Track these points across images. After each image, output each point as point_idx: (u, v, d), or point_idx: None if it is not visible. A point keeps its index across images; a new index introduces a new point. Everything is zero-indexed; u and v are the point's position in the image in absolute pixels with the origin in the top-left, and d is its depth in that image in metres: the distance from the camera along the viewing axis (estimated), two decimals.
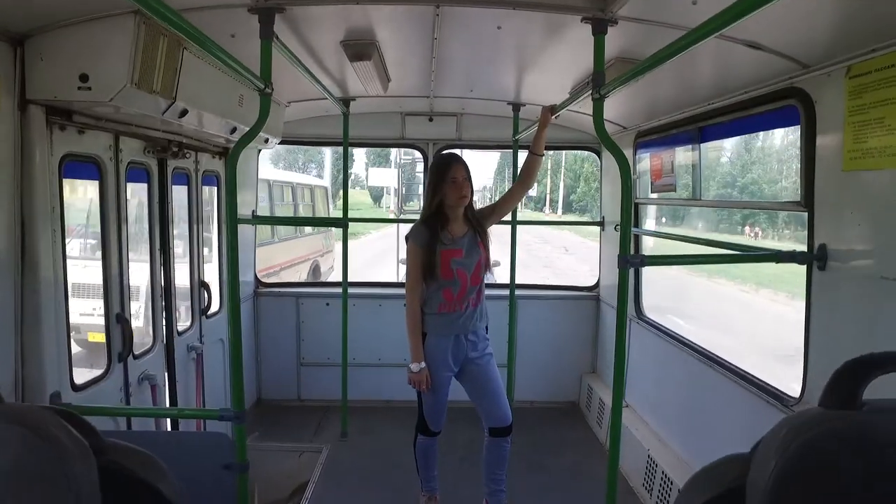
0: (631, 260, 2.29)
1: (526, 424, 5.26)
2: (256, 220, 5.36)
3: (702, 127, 3.44)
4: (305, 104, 4.70)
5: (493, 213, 3.54)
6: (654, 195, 4.20)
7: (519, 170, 3.51)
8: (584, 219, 32.34)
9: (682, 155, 3.74)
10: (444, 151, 3.47)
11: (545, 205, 44.27)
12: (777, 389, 2.74)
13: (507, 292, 5.17)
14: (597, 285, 5.66)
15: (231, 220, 2.49)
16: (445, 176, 3.27)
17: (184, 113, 2.73)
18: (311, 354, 5.58)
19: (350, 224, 4.57)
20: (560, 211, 43.93)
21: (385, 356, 5.41)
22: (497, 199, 3.80)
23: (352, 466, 4.31)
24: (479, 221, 3.43)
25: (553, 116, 3.27)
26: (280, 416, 5.40)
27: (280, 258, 8.41)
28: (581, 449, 4.85)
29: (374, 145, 5.58)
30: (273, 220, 5.17)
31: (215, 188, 4.43)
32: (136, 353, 3.21)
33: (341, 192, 4.98)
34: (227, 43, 2.29)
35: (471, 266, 3.34)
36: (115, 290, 2.94)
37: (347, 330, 4.78)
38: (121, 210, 2.97)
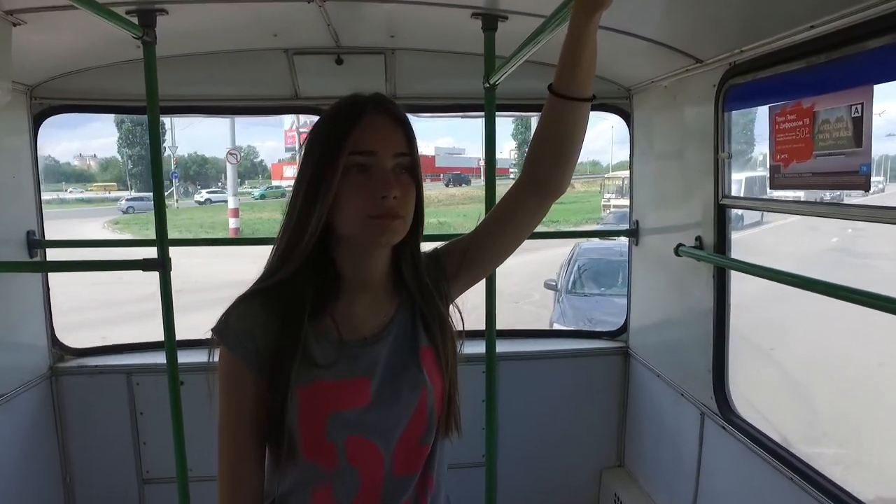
0: None
1: None
2: (34, 263, 3.01)
3: None
4: (79, 29, 2.36)
5: (477, 252, 1.32)
6: (778, 194, 2.04)
7: (530, 141, 1.27)
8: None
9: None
10: (350, 94, 1.06)
11: None
12: None
13: (481, 349, 2.97)
14: (624, 330, 3.54)
15: None
16: (340, 151, 1.10)
17: None
18: (158, 465, 3.32)
19: None
20: None
21: None
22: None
23: None
24: (426, 284, 1.25)
25: None
26: None
27: None
28: None
29: (239, 111, 3.22)
30: (67, 264, 2.95)
31: None
32: None
33: None
34: None
35: (396, 425, 1.17)
36: None
37: (183, 422, 2.59)
38: None
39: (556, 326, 7.48)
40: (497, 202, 1.35)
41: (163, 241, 2.35)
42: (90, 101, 3.00)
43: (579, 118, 1.18)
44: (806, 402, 6.71)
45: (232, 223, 23.23)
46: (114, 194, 45.11)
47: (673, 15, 2.17)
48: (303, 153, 1.18)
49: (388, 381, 1.18)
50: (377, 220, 1.10)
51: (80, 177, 56.41)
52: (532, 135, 1.26)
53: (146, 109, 2.33)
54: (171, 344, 2.54)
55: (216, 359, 1.18)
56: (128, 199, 36.43)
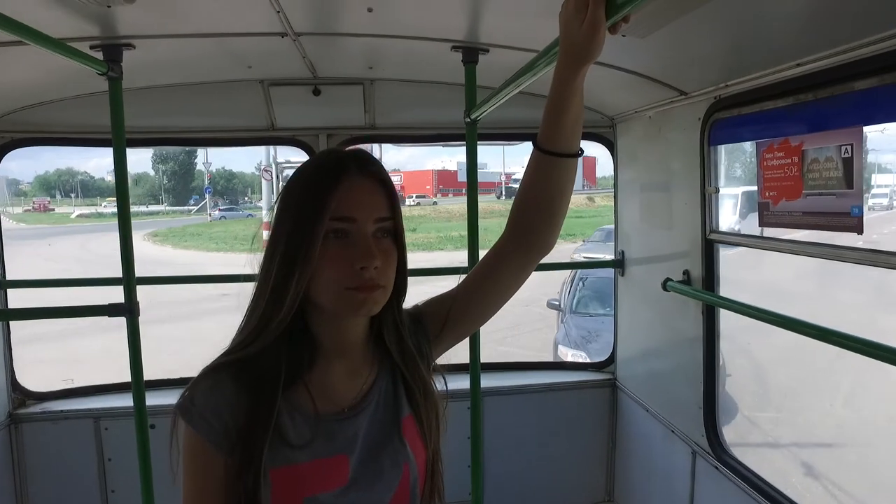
0: None
1: None
2: None
3: None
4: (41, 63, 2.25)
5: (461, 311, 1.20)
6: (769, 231, 2.00)
7: (515, 196, 1.21)
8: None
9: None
10: (328, 149, 0.95)
11: None
12: None
13: (465, 385, 2.87)
14: (611, 361, 3.47)
15: None
16: (319, 217, 0.99)
17: None
18: None
19: None
20: None
21: None
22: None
23: None
24: (409, 349, 1.15)
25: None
26: None
27: None
28: None
29: (213, 142, 3.13)
30: (27, 311, 2.77)
31: None
32: None
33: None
34: None
35: (378, 500, 1.06)
36: None
37: (151, 468, 2.46)
38: None
39: (561, 347, 7.34)
40: (480, 259, 1.27)
41: (129, 284, 2.22)
42: (55, 134, 2.87)
43: (566, 174, 1.11)
44: (764, 383, 7.99)
45: (265, 235, 24.29)
46: (144, 209, 49.04)
47: (656, 48, 2.13)
48: (276, 211, 1.08)
49: (368, 457, 1.08)
50: (355, 293, 1.00)
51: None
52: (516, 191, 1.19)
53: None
54: (138, 388, 2.41)
55: (179, 436, 1.07)
56: (220, 210, 43.82)
